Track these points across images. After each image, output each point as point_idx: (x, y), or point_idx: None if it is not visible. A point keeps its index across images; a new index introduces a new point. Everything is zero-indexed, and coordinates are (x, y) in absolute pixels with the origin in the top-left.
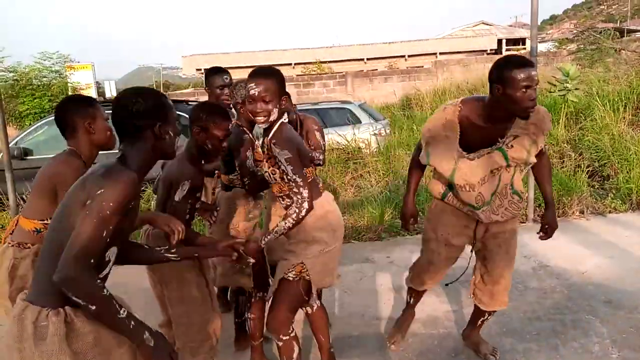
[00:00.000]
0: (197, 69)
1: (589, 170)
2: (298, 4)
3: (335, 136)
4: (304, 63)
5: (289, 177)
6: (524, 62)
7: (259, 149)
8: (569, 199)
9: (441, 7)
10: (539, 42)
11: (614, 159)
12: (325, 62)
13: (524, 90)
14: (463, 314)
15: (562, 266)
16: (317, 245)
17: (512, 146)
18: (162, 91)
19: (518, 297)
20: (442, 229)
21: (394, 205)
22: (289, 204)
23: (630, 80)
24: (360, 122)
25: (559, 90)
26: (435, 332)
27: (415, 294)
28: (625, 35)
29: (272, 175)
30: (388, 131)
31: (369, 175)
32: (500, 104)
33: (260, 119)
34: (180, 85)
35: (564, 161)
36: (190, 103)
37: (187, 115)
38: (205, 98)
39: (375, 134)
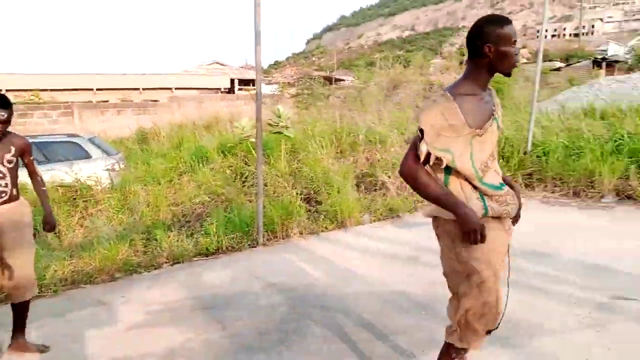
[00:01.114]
0: None
1: (306, 197)
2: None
3: (59, 173)
4: (18, 90)
5: None
6: (506, 19)
7: None
8: (290, 222)
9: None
10: (266, 84)
11: (324, 187)
12: (45, 90)
13: (513, 45)
14: None
15: (287, 282)
16: None
17: (498, 113)
18: None
19: (250, 315)
20: (496, 257)
21: (129, 242)
22: None
23: (335, 122)
24: (90, 156)
25: (276, 129)
26: None
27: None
28: (334, 83)
29: None
30: (123, 166)
31: (101, 213)
32: (489, 65)
33: None
34: None
35: (286, 189)
36: None
37: None
38: None
39: (108, 169)
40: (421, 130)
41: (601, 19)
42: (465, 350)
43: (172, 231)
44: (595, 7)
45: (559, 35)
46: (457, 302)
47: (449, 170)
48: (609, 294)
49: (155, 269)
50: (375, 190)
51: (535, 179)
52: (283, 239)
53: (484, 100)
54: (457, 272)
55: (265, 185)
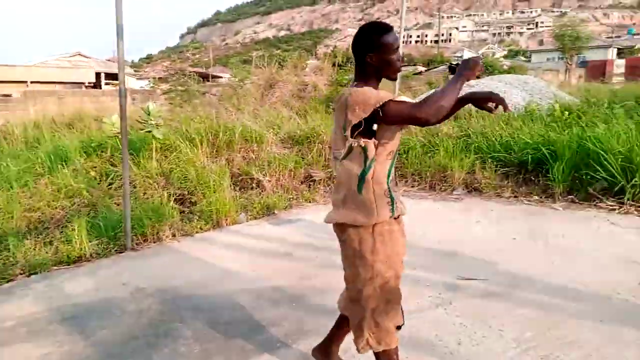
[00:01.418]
0: None
1: (180, 198)
2: None
3: None
4: None
5: None
6: (388, 26)
7: None
8: (162, 224)
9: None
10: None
11: (199, 187)
12: None
13: (395, 52)
14: None
15: (157, 286)
16: None
17: None
18: None
19: (116, 322)
20: (397, 258)
21: None
22: None
23: (211, 119)
24: None
25: (146, 128)
26: None
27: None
28: (210, 80)
29: None
30: None
31: None
32: (375, 72)
33: None
34: None
35: (157, 191)
36: None
37: None
38: None
39: None
40: (382, 105)
41: (457, 28)
42: (394, 349)
43: (27, 239)
44: (452, 16)
45: (422, 41)
46: (361, 306)
47: (367, 160)
48: (455, 275)
49: (8, 281)
50: (252, 188)
51: (397, 175)
52: (154, 242)
53: None
54: (361, 276)
55: (135, 187)
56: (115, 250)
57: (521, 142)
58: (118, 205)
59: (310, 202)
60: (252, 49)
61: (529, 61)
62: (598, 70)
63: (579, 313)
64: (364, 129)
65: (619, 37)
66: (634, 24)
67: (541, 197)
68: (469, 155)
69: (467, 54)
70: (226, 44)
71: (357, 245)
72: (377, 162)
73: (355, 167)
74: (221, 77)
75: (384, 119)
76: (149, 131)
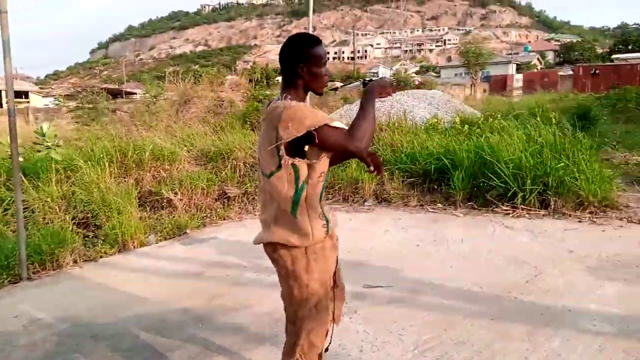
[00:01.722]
0: None
1: (83, 222)
2: None
3: None
4: None
5: None
6: (317, 39)
7: None
8: (62, 251)
9: None
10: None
11: (103, 210)
12: None
13: (323, 65)
14: None
15: (56, 316)
16: None
17: None
18: None
19: (5, 359)
20: (328, 276)
21: None
22: None
23: (120, 138)
24: None
25: (42, 150)
26: None
27: None
28: (124, 96)
29: None
30: None
31: None
32: (302, 84)
33: None
34: None
35: (58, 215)
36: None
37: None
38: None
39: None
40: (317, 128)
41: (372, 45)
42: None
43: None
44: (366, 34)
45: (339, 58)
46: (297, 328)
47: (298, 180)
48: (362, 284)
49: None
50: (163, 208)
51: None
52: (54, 269)
53: None
54: (296, 297)
55: (33, 212)
56: (9, 281)
57: (425, 153)
58: (14, 232)
59: (224, 219)
60: (168, 65)
61: (439, 76)
62: (500, 84)
63: (473, 313)
64: (295, 148)
65: (517, 53)
66: (529, 41)
67: (444, 205)
68: None
69: (382, 70)
70: (140, 59)
71: (290, 265)
72: (309, 185)
73: (286, 186)
74: (135, 94)
75: (317, 143)
76: (47, 153)
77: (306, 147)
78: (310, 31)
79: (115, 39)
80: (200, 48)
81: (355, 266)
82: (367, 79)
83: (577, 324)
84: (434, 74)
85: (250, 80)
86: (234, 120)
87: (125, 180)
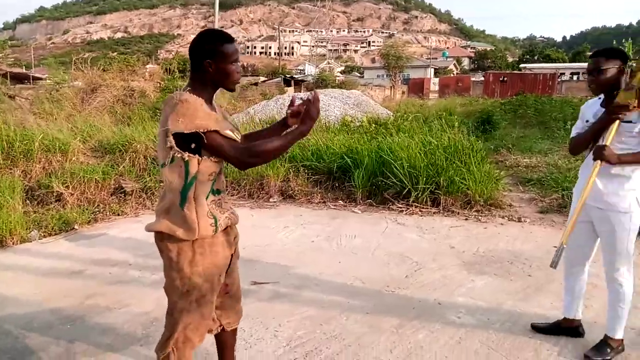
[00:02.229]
0: None
1: None
2: None
3: None
4: None
5: None
6: (228, 36)
7: None
8: None
9: None
10: None
11: None
12: None
13: (234, 62)
14: None
15: None
16: None
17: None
18: None
19: None
20: (216, 271)
21: None
22: None
23: (7, 125)
24: None
25: None
26: None
27: None
28: (32, 82)
29: None
30: None
31: None
32: (210, 80)
33: None
34: None
35: None
36: None
37: None
38: None
39: None
40: (201, 133)
41: (299, 42)
42: None
43: None
44: (293, 31)
45: (265, 53)
46: (175, 320)
47: (188, 175)
48: (250, 281)
49: None
50: (52, 203)
51: None
52: None
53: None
54: (177, 288)
55: None
56: None
57: (330, 152)
58: None
59: (119, 215)
60: (84, 51)
61: (363, 77)
62: (418, 87)
63: (350, 308)
64: (186, 142)
65: (435, 58)
66: (448, 47)
67: (345, 202)
68: (284, 164)
69: (309, 68)
70: (53, 43)
71: (174, 256)
72: (198, 181)
73: (176, 179)
74: (42, 79)
75: (205, 145)
76: None
77: (193, 145)
78: (218, 26)
79: (24, 19)
80: (119, 34)
81: (247, 263)
82: (289, 76)
83: (444, 316)
84: (358, 75)
85: (167, 70)
86: (143, 111)
87: (11, 172)
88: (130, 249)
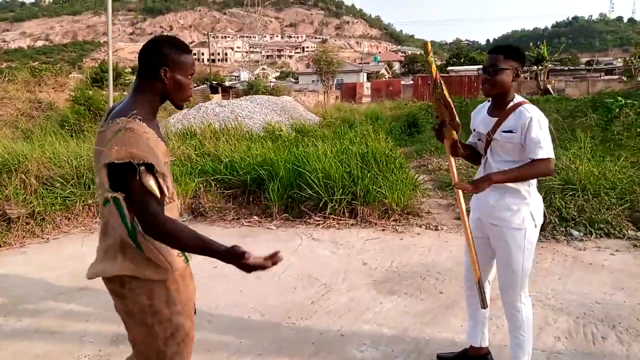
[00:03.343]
0: None
1: None
2: None
3: None
4: None
5: None
6: (188, 47)
7: None
8: None
9: None
10: None
11: None
12: None
13: (190, 76)
14: None
15: None
16: None
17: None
18: None
19: None
20: (191, 304)
21: None
22: None
23: None
24: None
25: None
26: None
27: None
28: None
29: None
30: None
31: None
32: (162, 91)
33: None
34: None
35: None
36: None
37: None
38: None
39: None
40: (141, 164)
41: (232, 48)
42: None
43: None
44: (226, 37)
45: (198, 60)
46: None
47: (125, 219)
48: None
49: None
50: None
51: None
52: None
53: (157, 127)
54: (158, 335)
55: None
56: None
57: (244, 163)
58: None
59: (1, 246)
60: (2, 60)
61: (297, 82)
62: (351, 92)
63: (240, 350)
64: (119, 178)
65: (367, 63)
66: (379, 52)
67: (260, 217)
68: (194, 178)
69: (244, 74)
70: None
71: (145, 301)
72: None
73: (117, 224)
74: None
75: (131, 181)
76: None
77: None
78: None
79: None
80: (40, 43)
81: None
82: (215, 83)
83: (344, 351)
84: (293, 80)
85: (95, 79)
86: (51, 124)
87: None
88: (1, 288)
